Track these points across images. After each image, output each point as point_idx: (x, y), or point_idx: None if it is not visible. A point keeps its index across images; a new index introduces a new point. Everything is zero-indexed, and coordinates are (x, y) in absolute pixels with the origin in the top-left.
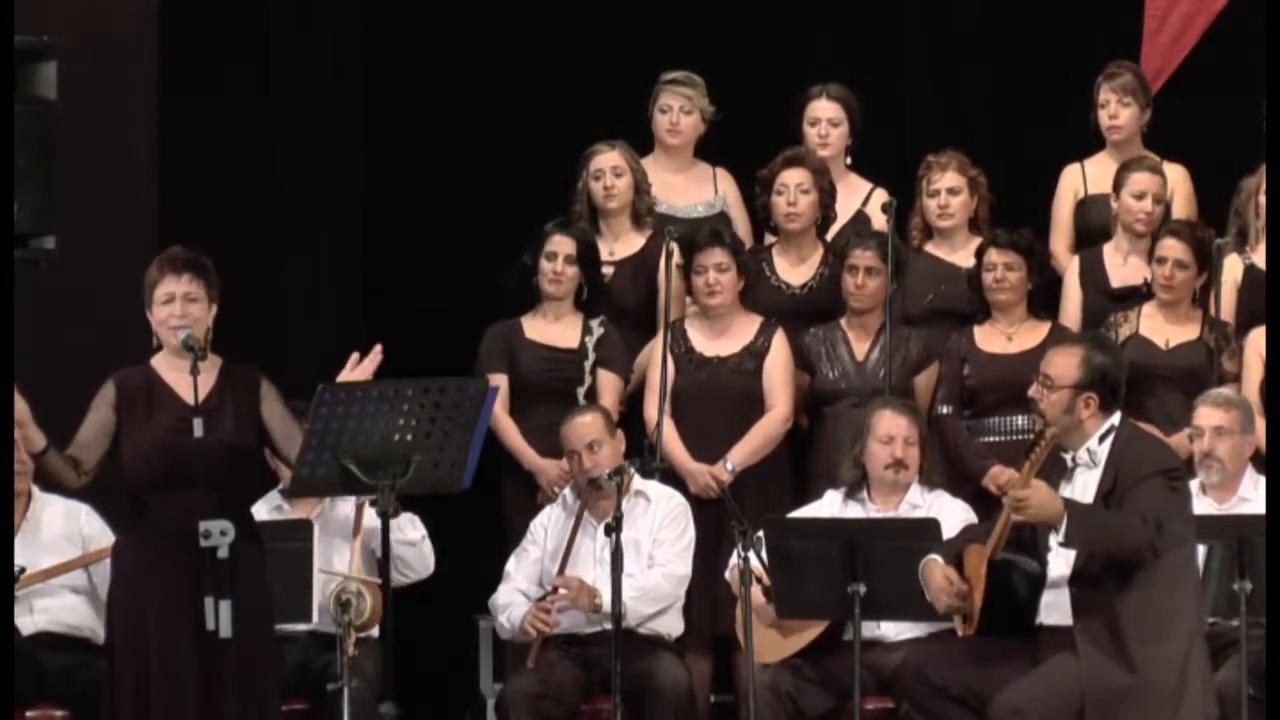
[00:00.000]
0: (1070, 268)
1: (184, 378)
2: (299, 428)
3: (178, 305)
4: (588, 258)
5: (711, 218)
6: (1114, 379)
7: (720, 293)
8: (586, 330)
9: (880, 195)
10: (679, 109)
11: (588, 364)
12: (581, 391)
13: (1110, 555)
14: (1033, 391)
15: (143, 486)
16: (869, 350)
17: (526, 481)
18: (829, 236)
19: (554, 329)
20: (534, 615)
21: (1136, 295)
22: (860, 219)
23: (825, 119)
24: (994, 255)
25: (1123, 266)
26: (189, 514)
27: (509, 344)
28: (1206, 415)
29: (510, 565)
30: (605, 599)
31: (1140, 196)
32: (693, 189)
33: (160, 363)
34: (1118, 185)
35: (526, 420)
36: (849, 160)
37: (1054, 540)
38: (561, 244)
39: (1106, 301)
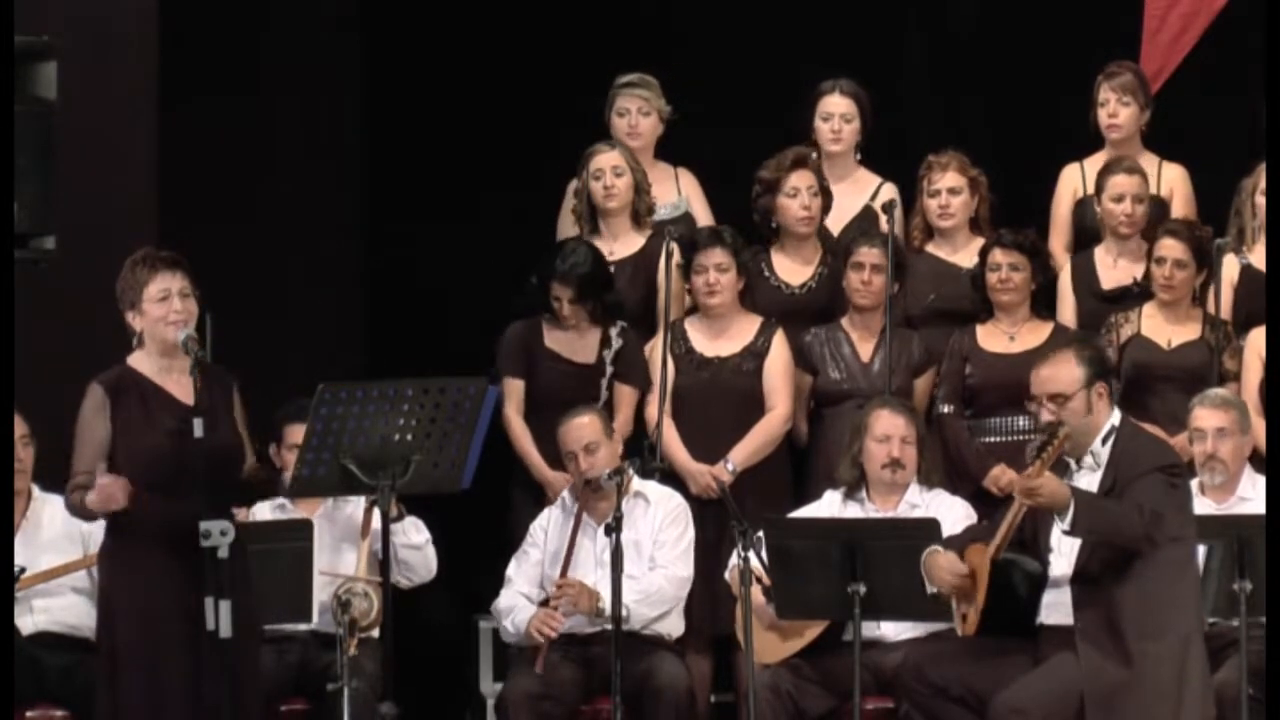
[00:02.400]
0: (1063, 271)
1: (172, 378)
2: (248, 440)
3: (176, 301)
4: (589, 291)
5: (676, 218)
6: (1109, 362)
7: (719, 292)
8: (605, 343)
9: (889, 189)
10: (636, 111)
11: (604, 380)
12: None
13: (1109, 544)
14: (1046, 415)
15: (143, 487)
16: (873, 351)
17: (532, 485)
18: (836, 233)
19: (574, 342)
20: (541, 620)
21: (1128, 296)
22: (868, 214)
23: (838, 114)
24: (998, 255)
25: (1113, 269)
26: (188, 514)
27: (528, 349)
28: (1207, 417)
29: (511, 569)
30: (607, 603)
31: (1119, 199)
32: (655, 190)
33: (142, 363)
34: (1099, 190)
35: (540, 428)
36: (859, 156)
37: (1059, 528)
38: (562, 291)
39: (1099, 304)
